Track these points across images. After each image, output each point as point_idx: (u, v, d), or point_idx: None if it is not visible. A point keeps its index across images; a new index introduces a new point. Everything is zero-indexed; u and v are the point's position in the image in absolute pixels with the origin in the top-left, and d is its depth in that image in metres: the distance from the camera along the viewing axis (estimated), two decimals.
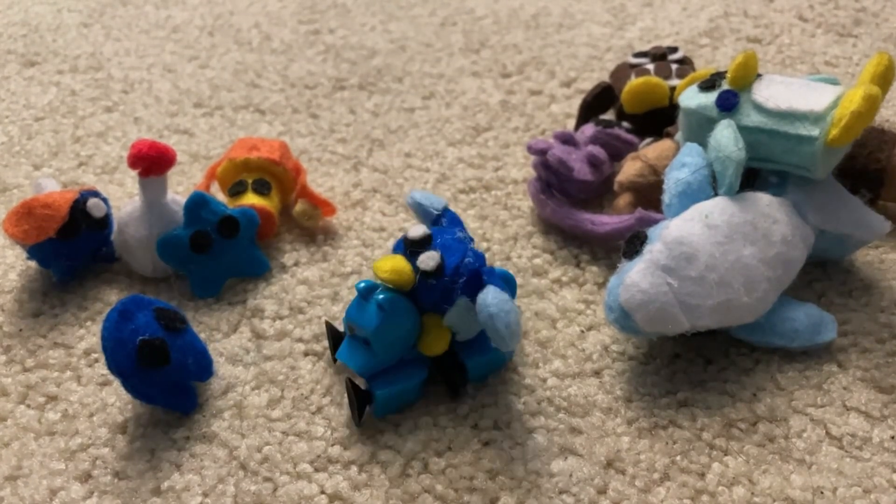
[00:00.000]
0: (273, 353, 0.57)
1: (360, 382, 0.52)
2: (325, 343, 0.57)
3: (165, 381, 0.51)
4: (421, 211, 0.55)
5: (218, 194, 0.68)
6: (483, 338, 0.51)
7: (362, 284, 0.50)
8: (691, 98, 0.58)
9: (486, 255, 0.63)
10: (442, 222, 0.54)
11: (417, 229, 0.51)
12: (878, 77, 0.53)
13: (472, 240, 0.53)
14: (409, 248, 0.50)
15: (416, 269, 0.49)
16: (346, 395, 0.53)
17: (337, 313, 0.59)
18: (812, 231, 0.55)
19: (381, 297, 0.49)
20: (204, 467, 0.50)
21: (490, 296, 0.47)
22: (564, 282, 0.62)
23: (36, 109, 0.86)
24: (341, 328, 0.56)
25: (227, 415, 0.53)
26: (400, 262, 0.49)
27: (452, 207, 0.69)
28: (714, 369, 0.54)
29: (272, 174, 0.66)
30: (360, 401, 0.51)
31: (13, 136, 0.81)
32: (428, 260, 0.49)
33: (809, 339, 0.54)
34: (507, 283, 0.54)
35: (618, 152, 0.69)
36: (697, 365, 0.54)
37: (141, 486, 0.49)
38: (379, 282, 0.50)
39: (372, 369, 0.51)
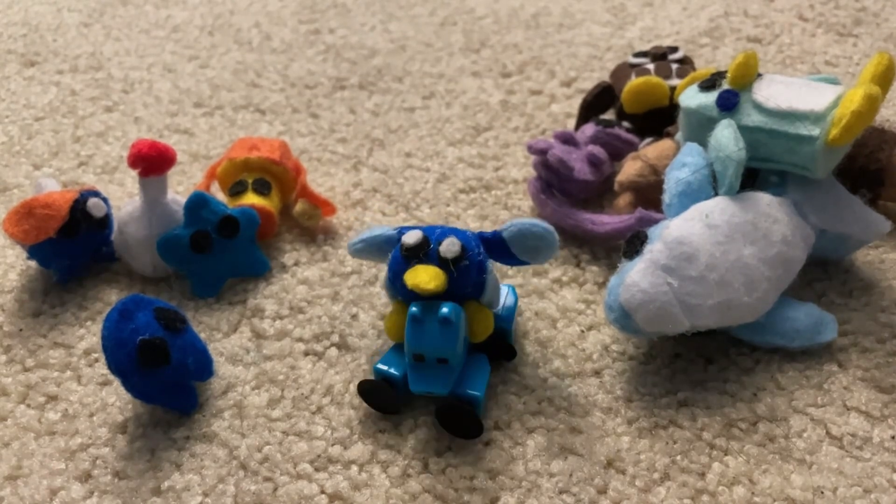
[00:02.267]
0: (273, 352, 0.57)
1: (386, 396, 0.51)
2: (325, 343, 0.57)
3: (165, 381, 0.51)
4: (379, 242, 0.53)
5: (218, 194, 0.68)
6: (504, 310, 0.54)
7: (415, 309, 0.48)
8: (691, 98, 0.58)
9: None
10: (404, 230, 0.52)
11: (412, 235, 0.50)
12: (879, 77, 0.53)
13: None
14: (415, 255, 0.49)
15: (439, 264, 0.49)
16: (442, 422, 0.50)
17: (337, 312, 0.59)
18: (812, 231, 0.55)
19: (445, 311, 0.47)
20: (204, 467, 0.50)
21: (518, 221, 0.49)
22: (564, 281, 0.62)
23: (36, 109, 0.86)
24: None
25: (228, 415, 0.53)
26: (430, 269, 0.48)
27: (453, 207, 0.69)
28: (714, 369, 0.54)
29: (272, 174, 0.66)
30: (474, 413, 0.49)
31: (13, 136, 0.81)
32: (450, 246, 0.49)
33: (810, 338, 0.54)
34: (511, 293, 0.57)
35: (618, 152, 0.69)
36: (698, 365, 0.54)
37: (141, 485, 0.49)
38: (396, 313, 0.50)
39: (454, 383, 0.50)
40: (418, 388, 0.49)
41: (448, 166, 0.74)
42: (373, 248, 0.53)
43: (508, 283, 0.61)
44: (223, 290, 0.62)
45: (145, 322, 0.50)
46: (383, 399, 0.52)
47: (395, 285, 0.51)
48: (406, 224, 0.68)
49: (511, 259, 0.52)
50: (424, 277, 0.47)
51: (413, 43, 0.95)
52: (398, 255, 0.51)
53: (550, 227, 0.50)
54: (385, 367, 0.52)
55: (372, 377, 0.53)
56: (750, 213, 0.53)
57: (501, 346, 0.54)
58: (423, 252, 0.49)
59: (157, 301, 0.52)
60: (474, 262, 0.50)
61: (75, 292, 0.63)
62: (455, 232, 0.51)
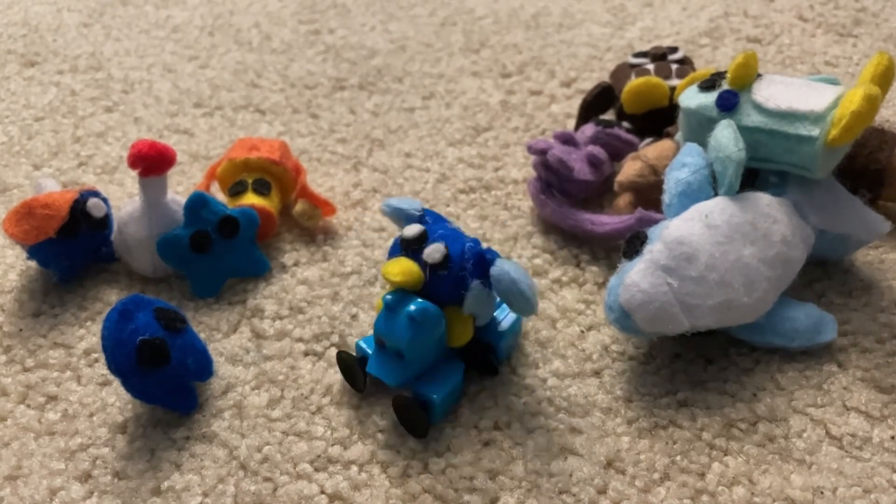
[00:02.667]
0: (273, 352, 0.57)
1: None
2: (325, 343, 0.57)
3: (165, 381, 0.51)
4: (401, 216, 0.53)
5: (218, 194, 0.68)
6: (496, 320, 0.53)
7: (390, 297, 0.48)
8: (691, 98, 0.58)
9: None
10: (427, 220, 0.53)
11: (411, 228, 0.51)
12: (879, 77, 0.53)
13: (460, 228, 0.53)
14: (408, 247, 0.50)
15: (423, 265, 0.49)
16: (397, 413, 0.51)
17: (337, 313, 0.60)
18: (812, 231, 0.55)
19: (412, 308, 0.47)
20: (204, 467, 0.50)
21: (505, 265, 0.48)
22: (564, 282, 0.62)
23: (36, 109, 0.86)
24: (352, 352, 0.55)
25: (227, 415, 0.53)
26: (406, 263, 0.49)
27: (452, 207, 0.69)
28: (714, 369, 0.54)
29: (272, 174, 0.66)
30: (421, 412, 0.50)
31: (13, 136, 0.81)
32: (433, 252, 0.49)
33: (809, 339, 0.54)
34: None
35: (618, 152, 0.69)
36: (697, 365, 0.54)
37: (141, 485, 0.49)
38: (394, 288, 0.49)
39: (406, 381, 0.50)
40: (371, 370, 0.50)
41: (448, 166, 0.74)
42: (398, 217, 0.53)
43: None
44: (223, 290, 0.62)
45: (145, 322, 0.50)
46: (353, 375, 0.53)
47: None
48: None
49: (489, 285, 0.50)
50: (395, 269, 0.48)
51: (413, 43, 0.95)
52: (397, 241, 0.51)
53: (530, 296, 0.48)
54: (364, 346, 0.53)
55: (354, 352, 0.55)
56: (750, 214, 0.53)
57: (484, 361, 0.54)
58: (414, 248, 0.50)
59: (157, 301, 0.52)
60: (453, 275, 0.49)
61: (75, 292, 0.63)
62: (453, 240, 0.50)
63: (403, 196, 0.71)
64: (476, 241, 0.51)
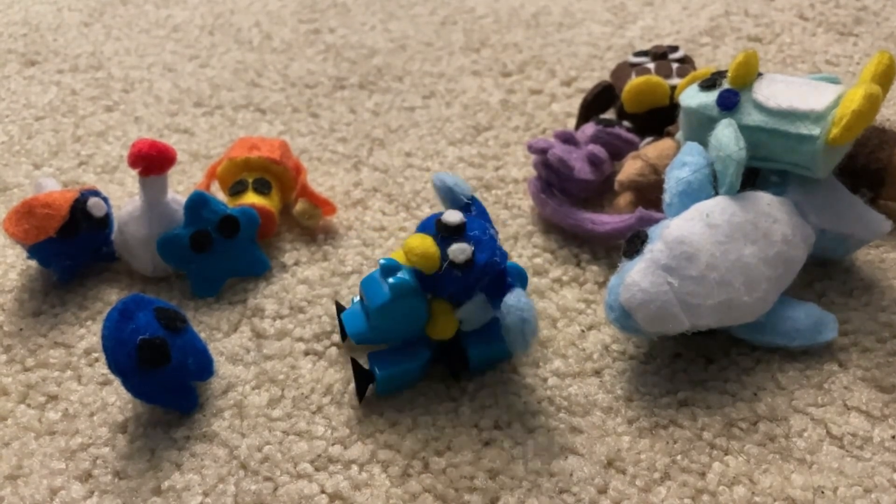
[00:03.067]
0: (273, 352, 0.57)
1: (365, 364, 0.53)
2: (325, 343, 0.57)
3: (165, 381, 0.51)
4: (450, 196, 0.53)
5: (218, 193, 0.68)
6: (488, 329, 0.52)
7: (385, 261, 0.50)
8: (692, 97, 0.58)
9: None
10: (472, 210, 0.52)
11: (454, 215, 0.50)
12: (879, 76, 0.53)
13: (497, 233, 0.52)
14: (442, 232, 0.49)
15: (444, 256, 0.49)
16: (352, 375, 0.53)
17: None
18: (813, 230, 0.55)
19: (394, 280, 0.49)
20: (204, 467, 0.50)
21: (522, 300, 0.47)
22: (565, 281, 0.62)
23: (36, 109, 0.86)
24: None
25: (228, 414, 0.53)
26: (431, 247, 0.48)
27: None
28: (715, 369, 0.54)
29: (272, 173, 0.66)
30: (361, 379, 0.52)
31: (13, 136, 0.81)
32: (459, 253, 0.49)
33: (810, 338, 0.54)
34: (521, 279, 0.55)
35: (618, 151, 0.69)
36: (698, 364, 0.54)
37: (141, 485, 0.49)
38: (397, 259, 0.50)
39: (364, 340, 0.52)
40: (344, 316, 0.54)
41: (448, 166, 0.74)
42: (445, 197, 0.53)
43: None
44: (223, 290, 0.62)
45: (145, 322, 0.50)
46: (340, 323, 0.55)
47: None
48: (407, 224, 0.68)
49: (495, 304, 0.49)
50: (418, 247, 0.48)
51: (413, 42, 0.95)
52: (432, 220, 0.51)
53: (530, 344, 0.47)
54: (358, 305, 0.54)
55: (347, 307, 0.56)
56: (750, 213, 0.53)
57: (451, 361, 0.53)
58: (445, 235, 0.49)
59: (157, 301, 0.52)
60: (466, 280, 0.49)
61: (75, 292, 0.63)
62: (485, 246, 0.49)
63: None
64: (504, 255, 0.50)
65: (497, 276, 0.49)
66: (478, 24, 0.98)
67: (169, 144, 0.60)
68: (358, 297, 0.55)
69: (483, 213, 0.53)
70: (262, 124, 0.82)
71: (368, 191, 0.72)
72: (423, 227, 0.51)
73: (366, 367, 0.53)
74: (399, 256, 0.51)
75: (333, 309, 0.60)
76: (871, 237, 0.58)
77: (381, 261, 0.50)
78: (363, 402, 0.53)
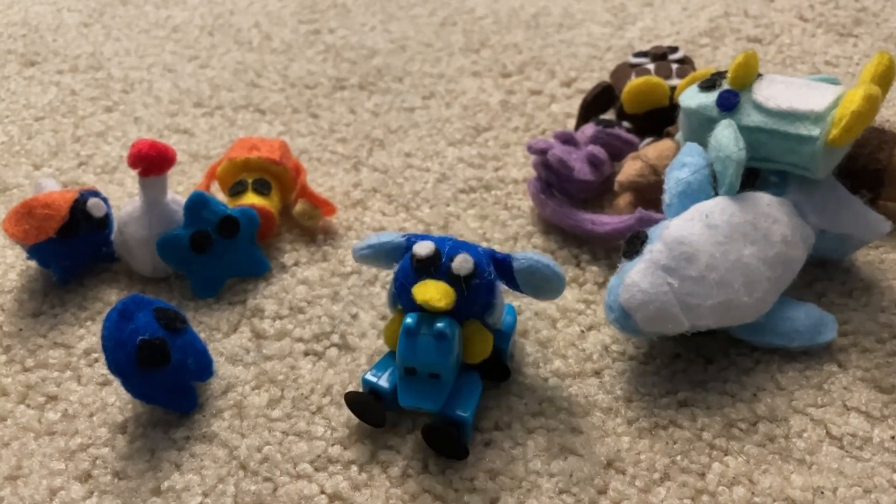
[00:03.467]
0: (273, 352, 0.57)
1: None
2: (325, 343, 0.57)
3: (165, 381, 0.51)
4: (383, 250, 0.51)
5: (218, 194, 0.68)
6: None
7: (410, 320, 0.47)
8: (692, 98, 0.58)
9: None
10: (414, 241, 0.51)
11: (424, 247, 0.49)
12: (879, 77, 0.53)
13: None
14: (426, 267, 0.48)
15: (449, 280, 0.47)
16: (429, 442, 0.49)
17: (337, 312, 0.59)
18: (812, 231, 0.55)
19: (441, 325, 0.46)
20: (204, 467, 0.50)
21: (527, 255, 0.49)
22: None
23: (36, 109, 0.86)
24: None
25: (227, 415, 0.53)
26: (440, 286, 0.47)
27: (453, 207, 0.69)
28: (714, 369, 0.54)
29: (272, 174, 0.66)
30: (456, 434, 0.48)
31: (13, 136, 0.81)
32: (463, 264, 0.48)
33: (810, 338, 0.54)
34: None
35: (618, 152, 0.69)
36: (698, 365, 0.54)
37: (141, 485, 0.49)
38: (414, 311, 0.48)
39: (445, 400, 0.48)
40: (407, 403, 0.48)
41: (448, 166, 0.74)
42: (380, 255, 0.51)
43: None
44: (223, 290, 0.62)
45: (145, 322, 0.50)
46: (370, 412, 0.50)
47: (401, 296, 0.50)
48: (406, 224, 0.68)
49: (512, 285, 0.51)
50: (435, 294, 0.46)
51: (413, 43, 0.95)
52: (407, 265, 0.49)
53: (561, 273, 0.49)
54: (374, 380, 0.50)
55: (360, 388, 0.52)
56: (750, 214, 0.53)
57: (496, 367, 0.53)
58: (434, 266, 0.48)
59: (157, 301, 0.52)
60: (485, 282, 0.49)
61: (75, 292, 0.63)
62: (468, 248, 0.49)
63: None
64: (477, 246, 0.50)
65: (495, 260, 0.49)
66: (477, 25, 0.98)
67: (169, 145, 0.60)
68: (376, 377, 0.50)
69: (425, 236, 0.52)
70: (262, 125, 0.82)
71: (368, 191, 0.72)
72: (405, 278, 0.49)
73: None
74: (396, 324, 0.49)
75: (333, 309, 0.60)
76: (870, 238, 0.58)
77: (406, 323, 0.47)
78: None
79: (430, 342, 0.47)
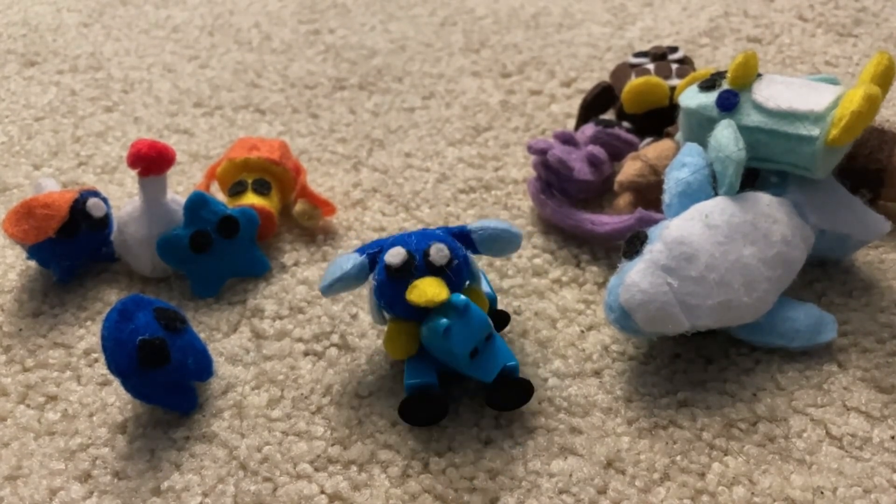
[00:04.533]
0: (273, 352, 0.57)
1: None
2: (325, 343, 0.57)
3: (165, 381, 0.51)
4: (350, 277, 0.52)
5: (218, 194, 0.68)
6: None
7: (444, 321, 0.48)
8: (691, 98, 0.58)
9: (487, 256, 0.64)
10: (374, 249, 0.52)
11: (395, 255, 0.50)
12: (879, 77, 0.53)
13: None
14: (404, 272, 0.49)
15: (431, 273, 0.49)
16: (496, 403, 0.51)
17: (337, 312, 0.59)
18: (812, 231, 0.55)
19: (459, 299, 0.48)
20: (204, 467, 0.50)
21: (477, 223, 0.53)
22: (564, 282, 0.62)
23: (36, 109, 0.86)
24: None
25: (227, 415, 0.53)
26: (431, 281, 0.48)
27: (452, 207, 0.69)
28: (714, 369, 0.54)
29: (272, 174, 0.66)
30: (522, 381, 0.51)
31: (13, 136, 0.81)
32: (439, 253, 0.50)
33: (809, 338, 0.54)
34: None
35: (618, 152, 0.69)
36: (697, 365, 0.54)
37: (141, 486, 0.49)
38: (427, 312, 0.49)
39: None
40: (494, 373, 0.50)
41: (448, 166, 0.74)
42: (348, 283, 0.52)
43: (507, 283, 0.61)
44: (223, 290, 0.62)
45: (145, 322, 0.50)
46: (431, 409, 0.51)
47: (392, 307, 0.51)
48: (407, 224, 0.68)
49: (472, 250, 0.53)
50: (433, 290, 0.48)
51: (413, 43, 0.95)
52: (385, 277, 0.50)
53: (517, 231, 0.53)
54: (417, 381, 0.50)
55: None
56: (750, 214, 0.53)
57: (496, 315, 0.55)
58: (413, 266, 0.50)
59: (157, 301, 0.52)
60: (461, 258, 0.51)
61: (75, 292, 0.63)
62: (432, 237, 0.51)
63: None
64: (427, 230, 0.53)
65: (456, 235, 0.52)
66: (477, 25, 0.98)
67: (168, 145, 0.60)
68: (419, 378, 0.50)
69: (379, 241, 0.53)
70: (262, 125, 0.82)
71: (368, 191, 0.72)
72: (386, 290, 0.50)
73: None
74: (398, 333, 0.51)
75: (333, 309, 0.60)
76: (870, 238, 0.58)
77: (441, 323, 0.48)
78: (365, 402, 0.53)
79: (465, 320, 0.48)
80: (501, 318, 0.56)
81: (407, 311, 0.50)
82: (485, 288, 0.55)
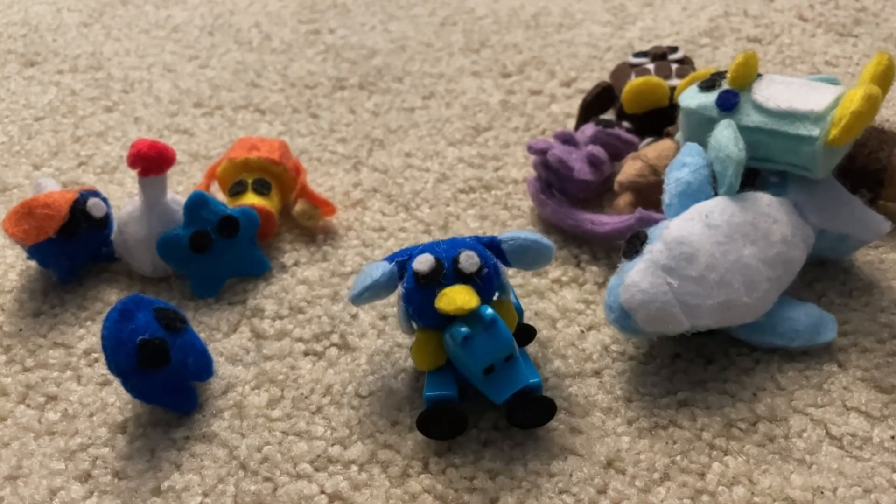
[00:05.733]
0: (273, 352, 0.57)
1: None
2: (325, 343, 0.57)
3: (165, 381, 0.51)
4: (380, 285, 0.51)
5: (218, 194, 0.68)
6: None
7: (465, 329, 0.47)
8: (691, 98, 0.58)
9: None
10: (405, 257, 0.52)
11: (424, 262, 0.49)
12: (879, 77, 0.53)
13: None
14: (433, 280, 0.49)
15: (461, 280, 0.48)
16: (517, 421, 0.50)
17: (337, 312, 0.59)
18: (812, 231, 0.55)
19: (486, 313, 0.47)
20: (204, 467, 0.50)
21: (509, 233, 0.51)
22: (564, 282, 0.62)
23: (36, 109, 0.86)
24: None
25: (227, 415, 0.53)
26: (460, 289, 0.47)
27: (452, 207, 0.69)
28: (714, 369, 0.54)
29: (272, 174, 0.66)
30: (545, 399, 0.49)
31: (13, 136, 0.81)
32: (469, 261, 0.49)
33: (809, 338, 0.54)
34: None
35: (618, 152, 0.69)
36: (697, 365, 0.54)
37: (141, 485, 0.49)
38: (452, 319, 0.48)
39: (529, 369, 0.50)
40: (506, 395, 0.48)
41: (448, 166, 0.74)
42: (379, 291, 0.51)
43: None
44: (223, 290, 0.62)
45: (145, 322, 0.50)
46: (449, 422, 0.50)
47: (421, 316, 0.50)
48: (406, 224, 0.68)
49: (503, 262, 0.52)
50: (463, 298, 0.47)
51: (413, 43, 0.95)
52: (413, 284, 0.49)
53: (549, 243, 0.52)
54: (437, 394, 0.50)
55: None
56: (750, 214, 0.53)
57: (522, 329, 0.54)
58: (441, 274, 0.49)
59: (157, 301, 0.52)
60: (492, 267, 0.50)
61: (75, 292, 0.63)
62: (461, 244, 0.50)
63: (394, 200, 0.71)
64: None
65: (486, 245, 0.51)
66: (477, 25, 0.98)
67: (168, 145, 0.60)
68: (438, 391, 0.50)
69: (410, 249, 0.52)
70: (262, 125, 0.82)
71: (368, 191, 0.72)
72: (414, 296, 0.49)
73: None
74: (426, 343, 0.50)
75: (333, 309, 0.60)
76: (870, 238, 0.58)
77: (460, 331, 0.47)
78: (365, 402, 0.53)
79: (490, 334, 0.47)
80: (527, 333, 0.55)
81: (436, 319, 0.49)
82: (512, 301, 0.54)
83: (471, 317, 0.47)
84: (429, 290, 0.48)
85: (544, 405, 0.49)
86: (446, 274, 0.49)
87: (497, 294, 0.51)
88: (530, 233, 0.52)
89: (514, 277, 0.62)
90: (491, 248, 0.52)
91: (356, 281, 0.52)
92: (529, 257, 0.52)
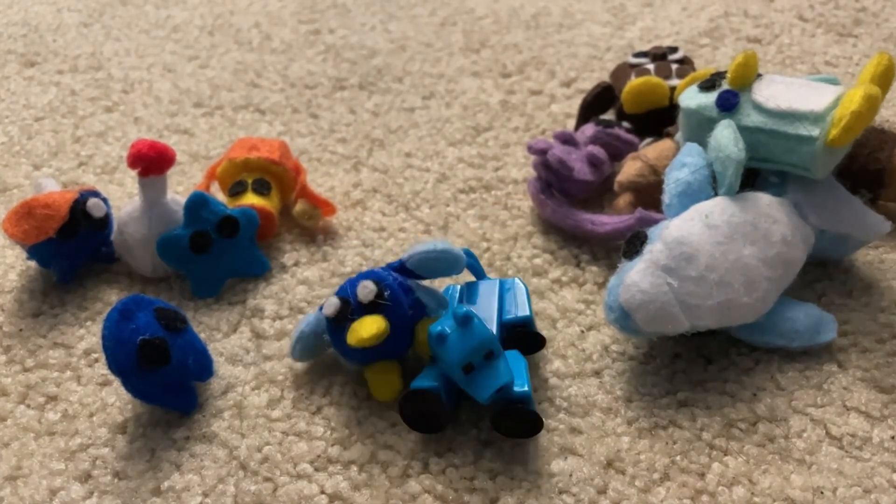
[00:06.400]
0: (273, 352, 0.57)
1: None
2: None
3: (165, 381, 0.51)
4: (310, 332, 0.53)
5: (218, 194, 0.68)
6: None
7: (439, 328, 0.47)
8: (691, 98, 0.58)
9: (487, 256, 0.64)
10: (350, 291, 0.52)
11: (329, 306, 0.51)
12: (879, 77, 0.53)
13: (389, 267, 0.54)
14: (343, 319, 0.51)
15: (369, 311, 0.50)
16: (501, 428, 0.49)
17: None
18: (812, 231, 0.55)
19: (462, 310, 0.47)
20: (204, 467, 0.50)
21: (411, 251, 0.52)
22: (564, 282, 0.62)
23: (36, 109, 0.86)
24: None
25: (227, 415, 0.53)
26: (364, 321, 0.49)
27: (452, 207, 0.69)
28: (714, 369, 0.54)
29: (272, 174, 0.66)
30: (531, 412, 0.48)
31: (13, 136, 0.81)
32: (363, 290, 0.50)
33: (809, 338, 0.54)
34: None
35: (618, 152, 0.69)
36: (697, 365, 0.54)
37: (141, 486, 0.49)
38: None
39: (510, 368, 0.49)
40: (487, 394, 0.47)
41: (448, 166, 0.74)
42: (309, 340, 0.54)
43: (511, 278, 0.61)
44: (223, 290, 0.62)
45: (145, 322, 0.50)
46: (428, 410, 0.49)
47: (347, 354, 0.52)
48: (406, 224, 0.68)
49: (417, 277, 0.53)
50: (366, 328, 0.48)
51: (413, 43, 0.95)
52: (330, 327, 0.52)
53: (450, 248, 0.51)
54: (419, 384, 0.49)
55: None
56: (750, 214, 0.53)
57: (530, 337, 0.54)
58: (349, 311, 0.51)
59: (157, 301, 0.52)
60: (394, 287, 0.51)
61: (75, 292, 0.63)
62: (362, 276, 0.52)
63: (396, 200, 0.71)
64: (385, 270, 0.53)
65: (396, 269, 0.52)
66: (477, 25, 0.98)
67: (168, 145, 0.60)
68: (423, 382, 0.49)
69: (353, 280, 0.53)
70: (262, 125, 0.82)
71: (368, 191, 0.72)
72: (339, 339, 0.51)
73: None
74: (378, 374, 0.52)
75: None
76: (870, 238, 0.58)
77: (437, 329, 0.47)
78: (365, 402, 0.53)
79: (462, 331, 0.47)
80: (535, 341, 0.54)
81: (362, 354, 0.51)
82: (523, 308, 0.54)
83: (444, 318, 0.48)
84: (343, 330, 0.51)
85: (530, 419, 0.48)
86: (354, 309, 0.51)
87: (424, 312, 0.52)
88: (436, 241, 0.52)
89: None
90: (400, 269, 0.52)
91: (293, 335, 0.54)
92: (435, 266, 0.52)
